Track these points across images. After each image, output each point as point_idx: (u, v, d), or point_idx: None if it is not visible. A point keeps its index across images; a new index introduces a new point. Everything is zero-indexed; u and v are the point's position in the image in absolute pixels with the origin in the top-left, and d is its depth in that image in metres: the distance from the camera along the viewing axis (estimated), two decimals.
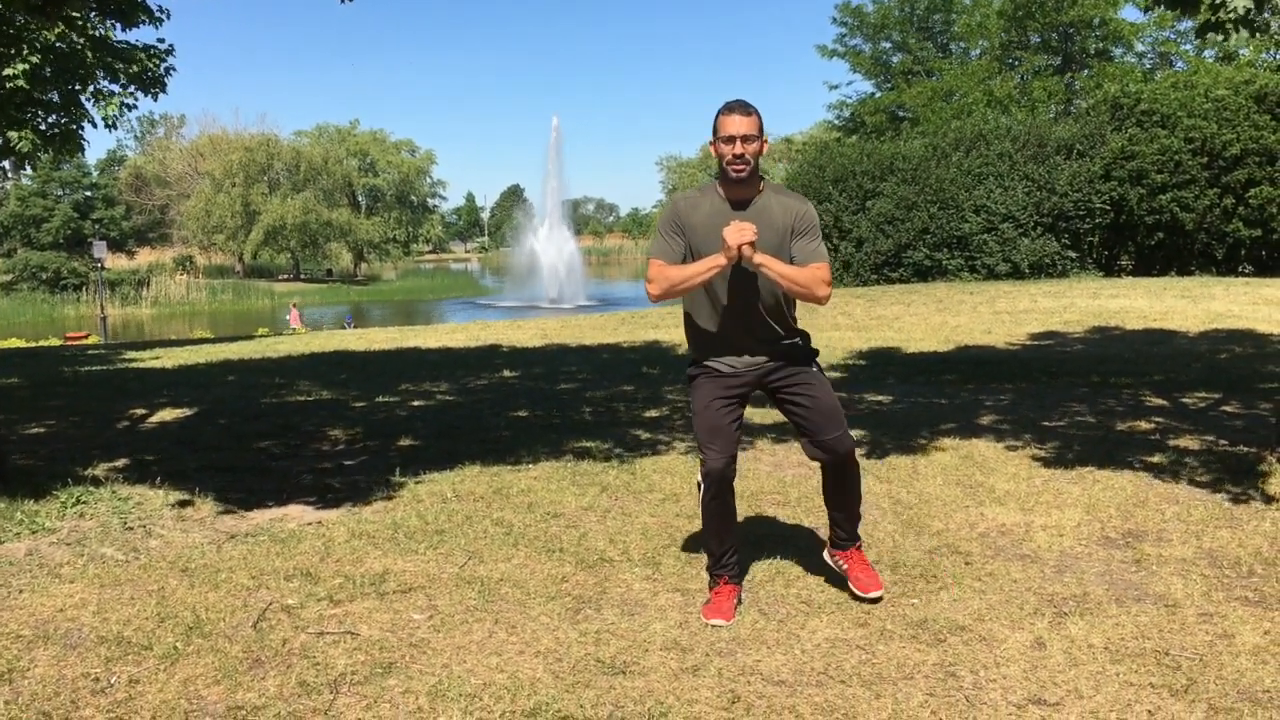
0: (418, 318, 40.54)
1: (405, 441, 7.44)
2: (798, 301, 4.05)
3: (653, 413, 8.40)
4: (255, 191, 65.41)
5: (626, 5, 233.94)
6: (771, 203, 3.89)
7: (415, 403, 9.32)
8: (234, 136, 69.89)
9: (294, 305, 39.32)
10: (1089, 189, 26.30)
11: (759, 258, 3.72)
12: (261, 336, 22.58)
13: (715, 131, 3.83)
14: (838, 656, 3.62)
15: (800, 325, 4.12)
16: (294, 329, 31.77)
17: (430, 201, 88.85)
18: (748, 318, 3.93)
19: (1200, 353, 11.66)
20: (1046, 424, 7.56)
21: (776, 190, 3.95)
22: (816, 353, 4.15)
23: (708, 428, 3.96)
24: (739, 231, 3.69)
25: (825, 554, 4.33)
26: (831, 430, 3.99)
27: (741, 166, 3.79)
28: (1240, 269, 26.14)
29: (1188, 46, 40.37)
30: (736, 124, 3.77)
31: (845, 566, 4.20)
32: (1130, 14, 41.95)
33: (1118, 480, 5.85)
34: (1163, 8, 6.10)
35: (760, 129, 3.81)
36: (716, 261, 3.76)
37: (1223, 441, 6.80)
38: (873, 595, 4.08)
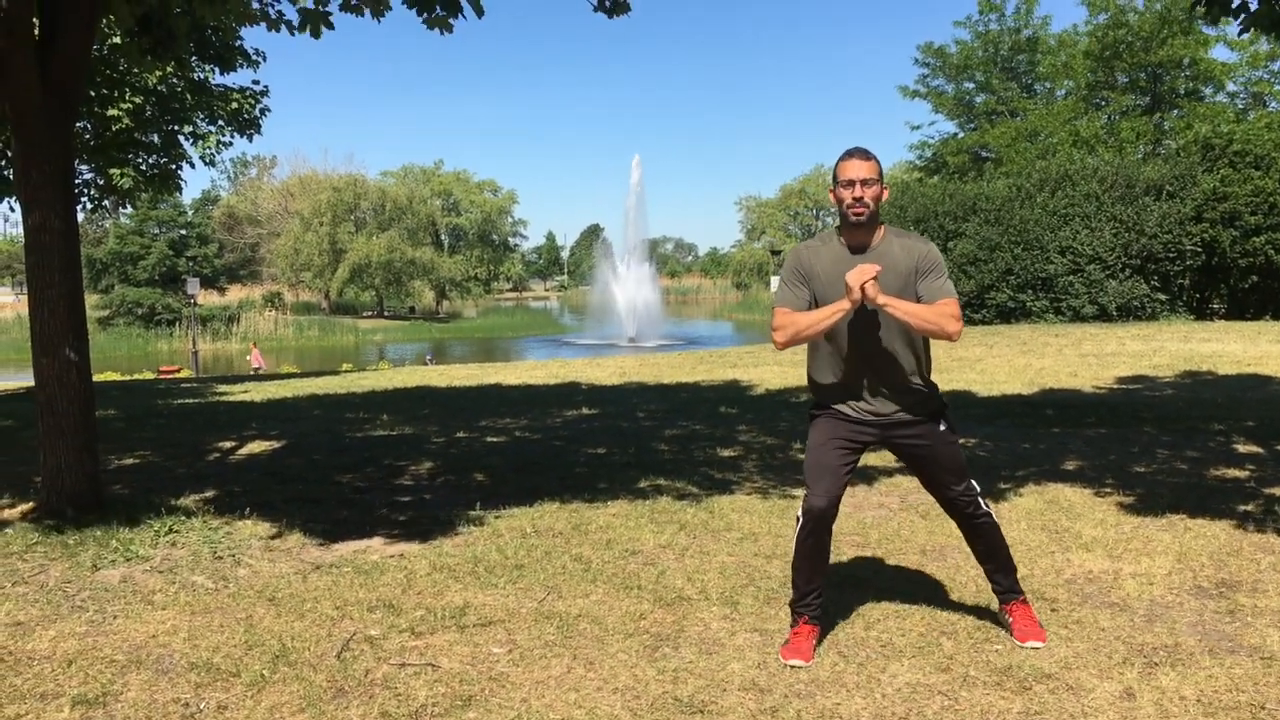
0: (498, 355, 41.00)
1: (485, 476, 7.52)
2: (930, 350, 4.05)
3: (729, 452, 8.38)
4: (342, 230, 66.93)
5: (707, 47, 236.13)
6: (894, 246, 3.90)
7: (495, 438, 9.42)
8: (323, 176, 71.71)
9: (254, 345, 40.42)
10: (1179, 230, 25.78)
11: (884, 298, 3.72)
12: (346, 372, 23.01)
13: (835, 177, 3.88)
14: (919, 702, 3.57)
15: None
16: (256, 369, 32.55)
17: (511, 240, 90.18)
18: (872, 363, 3.92)
19: None
20: (1135, 469, 7.38)
21: (898, 234, 3.96)
22: (946, 407, 4.12)
23: (817, 466, 3.96)
24: (860, 273, 3.71)
25: (996, 607, 4.32)
26: (952, 485, 4.01)
27: (861, 209, 3.82)
28: None
29: None
30: (856, 168, 3.82)
31: (1010, 620, 4.17)
32: (1221, 54, 41.18)
33: (1210, 528, 5.69)
34: (1263, 33, 6.04)
35: (880, 174, 3.86)
36: (841, 306, 3.78)
37: None
38: (1029, 645, 4.03)
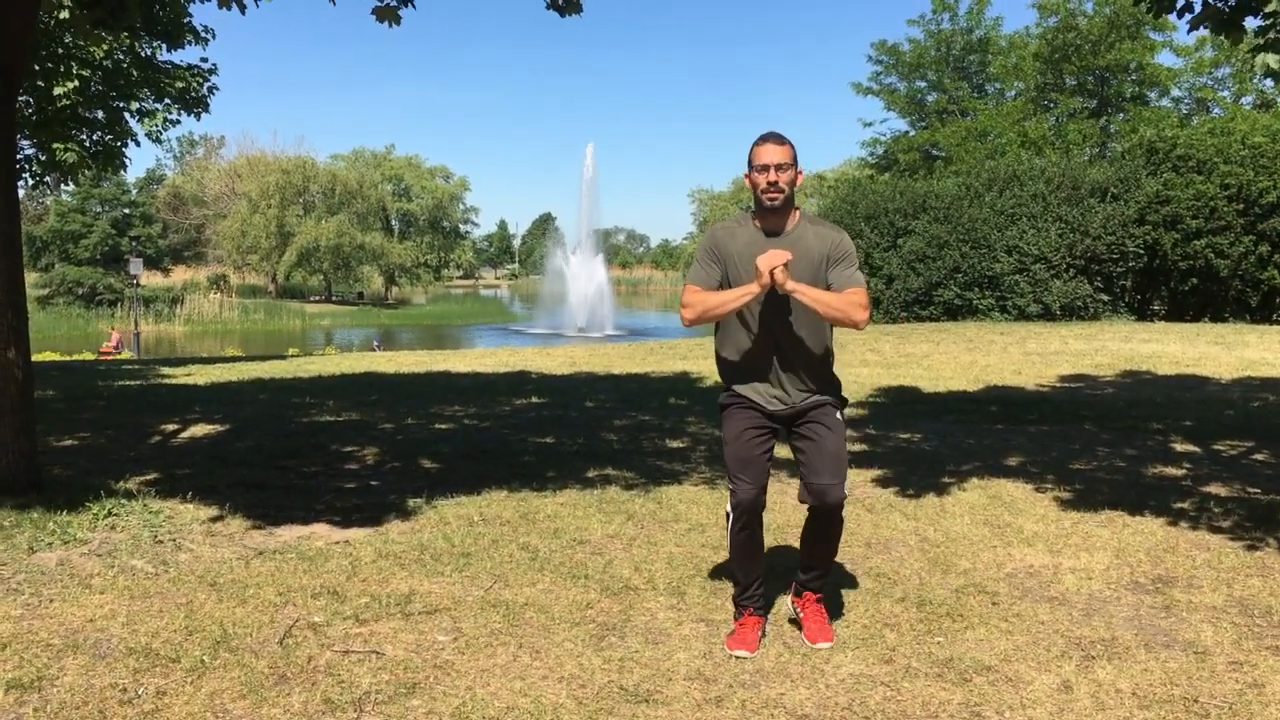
0: (447, 342, 40.74)
1: (433, 464, 7.48)
2: (834, 336, 4.06)
3: (678, 443, 8.40)
4: (290, 213, 66.13)
5: (661, 38, 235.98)
6: (807, 232, 3.92)
7: (443, 426, 9.37)
8: (271, 158, 70.75)
9: (113, 328, 39.55)
10: (1123, 232, 26.16)
11: (792, 284, 3.74)
12: (292, 357, 22.75)
13: (750, 162, 3.89)
14: (862, 692, 3.60)
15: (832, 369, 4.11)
16: (120, 352, 31.94)
17: (462, 227, 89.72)
18: (780, 347, 3.95)
19: (1232, 400, 11.55)
20: (1075, 466, 7.50)
21: (812, 220, 3.99)
22: (846, 401, 4.14)
23: (738, 459, 3.97)
24: (771, 258, 3.73)
25: (787, 598, 4.34)
26: (828, 477, 3.94)
27: (775, 194, 3.83)
28: (1275, 317, 25.89)
29: (1225, 93, 40.27)
30: (770, 153, 3.83)
31: (801, 615, 4.18)
32: (1167, 59, 41.97)
33: (1147, 525, 5.81)
34: (1207, 29, 6.14)
35: (794, 158, 3.86)
36: (750, 290, 3.80)
37: (1254, 489, 6.73)
38: (819, 645, 4.01)
